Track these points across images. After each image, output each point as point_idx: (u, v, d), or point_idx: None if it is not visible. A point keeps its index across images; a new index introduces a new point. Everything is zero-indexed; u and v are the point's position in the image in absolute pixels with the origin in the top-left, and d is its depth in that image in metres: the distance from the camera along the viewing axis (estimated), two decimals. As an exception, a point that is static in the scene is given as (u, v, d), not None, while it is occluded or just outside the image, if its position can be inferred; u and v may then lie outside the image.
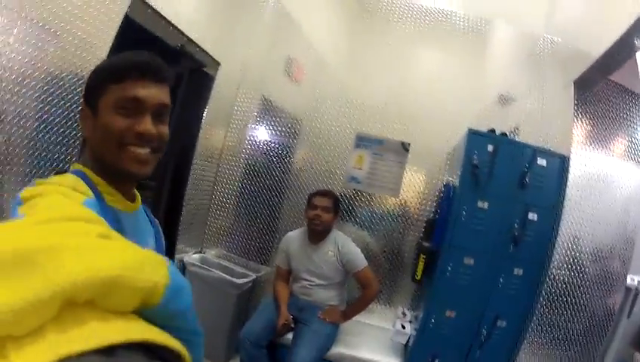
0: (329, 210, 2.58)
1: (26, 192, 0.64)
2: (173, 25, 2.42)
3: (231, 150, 3.36)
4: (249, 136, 3.35)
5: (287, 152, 3.29)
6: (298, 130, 3.30)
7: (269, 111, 3.37)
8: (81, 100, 0.87)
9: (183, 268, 3.02)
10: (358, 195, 3.13)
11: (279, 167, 3.28)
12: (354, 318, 2.64)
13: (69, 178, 0.75)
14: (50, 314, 0.33)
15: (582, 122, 2.56)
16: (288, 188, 3.26)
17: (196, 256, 3.15)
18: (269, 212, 3.28)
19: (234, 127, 3.35)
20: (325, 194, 2.66)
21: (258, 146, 3.35)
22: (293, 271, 2.72)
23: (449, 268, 2.39)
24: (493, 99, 2.99)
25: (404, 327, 2.65)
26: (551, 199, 2.43)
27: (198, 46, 2.71)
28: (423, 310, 2.54)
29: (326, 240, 2.63)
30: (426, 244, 2.69)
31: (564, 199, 2.42)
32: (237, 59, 3.23)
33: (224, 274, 2.82)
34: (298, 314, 2.56)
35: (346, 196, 3.12)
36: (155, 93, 0.81)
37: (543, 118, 2.84)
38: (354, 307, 2.62)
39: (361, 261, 2.55)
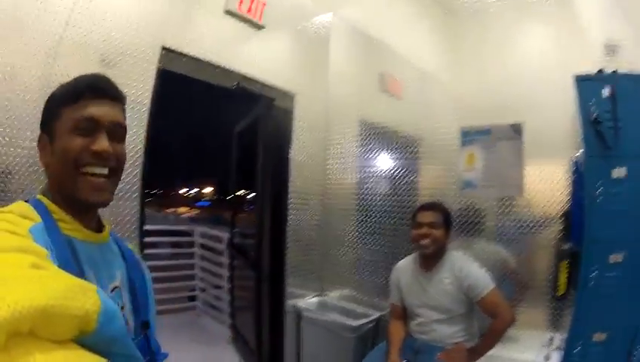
0: (438, 225, 2.21)
1: None
2: (217, 66, 2.54)
3: (338, 182, 3.30)
4: (356, 164, 3.25)
5: (404, 173, 3.05)
6: (411, 147, 3.08)
7: (371, 133, 3.24)
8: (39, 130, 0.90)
9: (298, 314, 3.00)
10: (484, 202, 2.71)
11: (398, 190, 3.05)
12: (490, 353, 2.13)
13: (19, 205, 0.77)
14: None
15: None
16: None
17: (314, 300, 3.11)
18: (396, 242, 2.99)
19: (335, 158, 3.31)
20: (431, 207, 2.30)
21: (370, 173, 3.21)
22: (407, 306, 2.37)
23: (593, 274, 1.83)
24: (601, 55, 2.35)
25: (548, 359, 2.11)
26: None
27: (259, 81, 2.78)
28: (566, 335, 2.00)
29: (440, 264, 2.23)
30: (564, 247, 2.15)
31: None
32: (320, 89, 3.25)
33: (338, 317, 2.70)
34: (414, 357, 2.18)
35: (470, 207, 2.71)
36: (110, 112, 0.84)
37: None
38: (483, 342, 2.12)
39: (484, 285, 2.09)
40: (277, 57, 2.97)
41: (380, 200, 3.12)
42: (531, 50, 2.69)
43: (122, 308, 0.86)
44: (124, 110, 0.90)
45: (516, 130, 2.58)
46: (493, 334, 2.09)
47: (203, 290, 5.43)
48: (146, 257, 4.60)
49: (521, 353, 2.34)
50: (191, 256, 5.66)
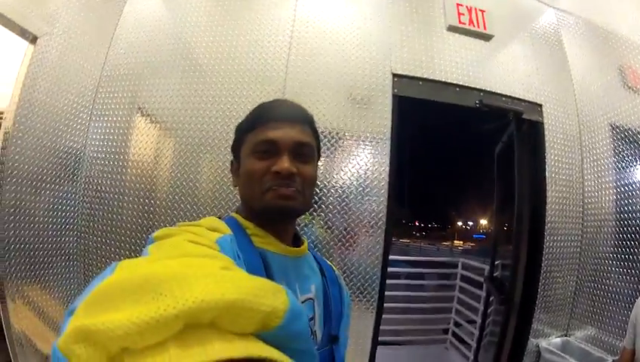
0: None
1: (158, 232, 0.76)
2: (455, 85, 2.64)
3: (595, 202, 2.96)
4: (612, 179, 2.89)
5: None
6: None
7: (622, 139, 2.86)
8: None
9: (537, 354, 2.83)
10: None
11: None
12: None
13: (209, 219, 0.87)
14: (171, 332, 0.40)
15: None
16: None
17: (557, 340, 2.85)
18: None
19: (590, 173, 2.98)
20: None
21: (627, 188, 2.82)
22: (637, 351, 2.01)
23: None
24: None
25: None
26: None
27: (502, 95, 2.74)
28: None
29: None
30: None
31: None
32: (566, 95, 3.01)
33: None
34: None
35: None
36: (289, 133, 0.90)
37: None
38: None
39: None
40: (514, 67, 2.90)
41: (635, 219, 2.69)
42: None
43: (312, 319, 0.93)
44: (310, 130, 0.97)
45: None
46: None
47: (457, 324, 5.42)
48: (411, 287, 5.02)
49: None
50: (452, 288, 5.72)
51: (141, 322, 0.38)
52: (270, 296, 0.49)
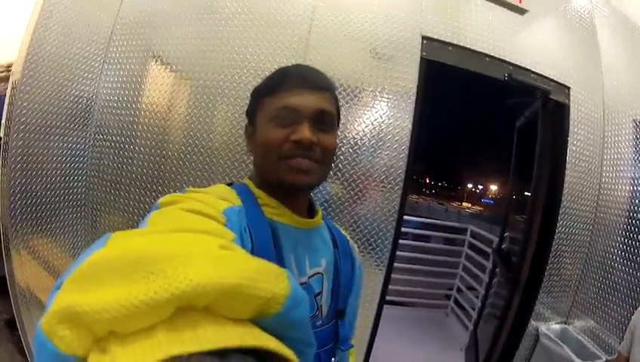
0: None
1: (164, 198, 0.73)
2: (486, 55, 2.59)
3: (611, 193, 2.94)
4: (630, 174, 2.90)
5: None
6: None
7: None
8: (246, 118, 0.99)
9: (536, 337, 2.90)
10: None
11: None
12: None
13: (219, 188, 0.86)
14: (161, 316, 0.37)
15: None
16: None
17: (557, 327, 2.91)
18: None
19: (609, 164, 2.93)
20: None
21: None
22: (631, 360, 2.04)
23: None
24: None
25: None
26: None
27: (532, 72, 2.68)
28: None
29: None
30: None
31: None
32: (594, 83, 2.93)
33: (568, 352, 2.52)
34: None
35: None
36: (311, 100, 0.85)
37: None
38: None
39: None
40: (546, 46, 2.82)
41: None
42: None
43: (319, 293, 0.92)
44: (332, 98, 0.92)
45: None
46: None
47: (459, 291, 5.49)
48: (416, 249, 5.04)
49: None
50: (459, 254, 5.73)
51: (130, 305, 0.35)
52: (271, 281, 0.46)
